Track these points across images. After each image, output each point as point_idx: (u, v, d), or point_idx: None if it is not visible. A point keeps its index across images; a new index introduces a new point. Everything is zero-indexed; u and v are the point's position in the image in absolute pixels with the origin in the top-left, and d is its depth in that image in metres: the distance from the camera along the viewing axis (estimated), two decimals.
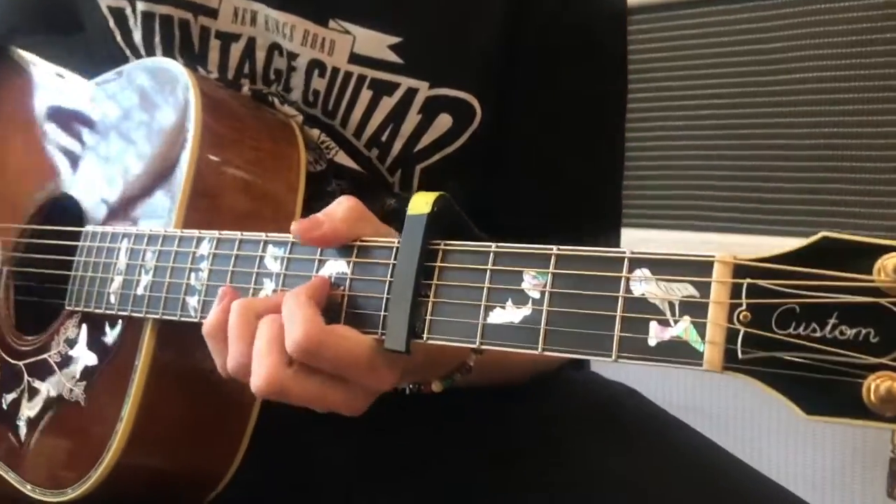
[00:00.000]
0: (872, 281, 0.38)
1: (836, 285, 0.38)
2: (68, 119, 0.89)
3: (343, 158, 0.80)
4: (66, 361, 0.77)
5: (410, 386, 0.67)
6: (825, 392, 0.38)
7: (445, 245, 0.51)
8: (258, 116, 0.79)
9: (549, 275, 0.46)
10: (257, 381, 0.55)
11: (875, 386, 0.37)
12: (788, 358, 0.39)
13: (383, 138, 0.78)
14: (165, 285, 0.67)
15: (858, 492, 1.51)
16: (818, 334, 0.38)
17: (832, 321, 0.38)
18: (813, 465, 1.55)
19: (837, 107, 1.44)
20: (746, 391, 1.56)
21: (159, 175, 0.75)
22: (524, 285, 0.47)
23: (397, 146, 0.78)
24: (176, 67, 0.77)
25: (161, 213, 0.73)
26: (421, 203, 0.52)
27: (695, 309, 0.41)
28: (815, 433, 1.53)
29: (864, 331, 0.38)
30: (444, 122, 0.78)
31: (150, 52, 0.82)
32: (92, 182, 0.82)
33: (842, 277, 0.38)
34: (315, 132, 0.78)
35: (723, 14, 1.56)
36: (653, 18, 1.63)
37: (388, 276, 0.53)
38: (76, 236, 0.79)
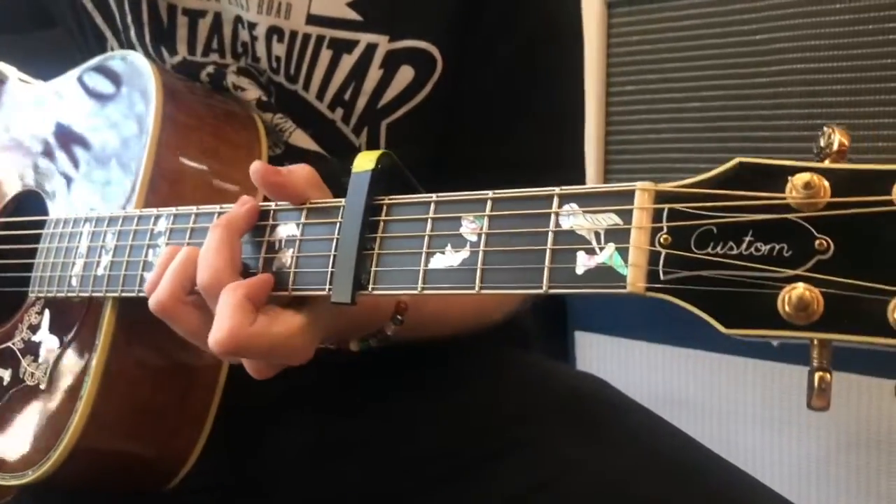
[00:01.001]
0: (784, 198, 0.39)
1: (750, 205, 0.40)
2: (32, 116, 0.91)
3: (300, 139, 0.80)
4: (28, 347, 0.77)
5: (331, 346, 0.68)
6: (743, 306, 0.40)
7: (390, 199, 0.53)
8: (218, 105, 0.81)
9: (486, 218, 0.48)
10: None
11: (788, 297, 0.38)
12: (707, 275, 0.40)
13: (346, 97, 0.78)
14: (124, 264, 0.68)
15: (843, 479, 1.51)
16: (735, 252, 0.40)
17: (748, 239, 0.40)
18: (798, 454, 1.55)
19: (819, 99, 1.47)
20: (729, 382, 1.58)
21: (120, 163, 0.76)
22: (462, 230, 0.49)
23: (361, 103, 0.78)
24: (138, 59, 0.78)
25: (122, 200, 0.74)
26: (365, 161, 0.54)
27: (618, 235, 0.42)
28: (800, 422, 1.53)
29: (777, 246, 0.39)
30: (406, 74, 0.78)
31: (126, 31, 0.84)
32: (56, 175, 0.83)
33: (754, 197, 0.40)
34: (268, 115, 0.80)
35: (708, 6, 1.58)
36: (636, 11, 1.66)
37: (336, 233, 0.54)
38: (41, 226, 0.80)
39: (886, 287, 0.37)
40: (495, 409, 0.80)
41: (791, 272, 0.39)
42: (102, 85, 0.82)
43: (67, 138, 0.84)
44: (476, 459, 0.76)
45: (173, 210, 0.66)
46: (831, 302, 0.38)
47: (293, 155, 0.80)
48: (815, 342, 0.39)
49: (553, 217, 0.45)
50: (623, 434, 0.77)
